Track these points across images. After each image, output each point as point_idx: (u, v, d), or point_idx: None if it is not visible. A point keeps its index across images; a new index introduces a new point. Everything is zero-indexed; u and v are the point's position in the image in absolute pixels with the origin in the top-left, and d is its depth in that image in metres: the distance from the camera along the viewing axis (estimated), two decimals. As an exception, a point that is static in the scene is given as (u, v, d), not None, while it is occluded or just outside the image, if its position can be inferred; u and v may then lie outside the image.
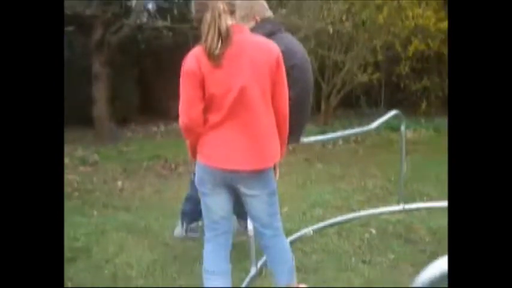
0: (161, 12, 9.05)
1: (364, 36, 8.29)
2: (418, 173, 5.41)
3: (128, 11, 8.18)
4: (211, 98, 2.17)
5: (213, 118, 2.21)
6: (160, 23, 7.33)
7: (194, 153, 2.35)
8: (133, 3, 7.61)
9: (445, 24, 8.82)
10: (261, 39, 2.27)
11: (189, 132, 2.28)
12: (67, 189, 5.11)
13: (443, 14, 8.97)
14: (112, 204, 4.72)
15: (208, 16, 2.15)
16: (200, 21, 2.21)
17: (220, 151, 2.22)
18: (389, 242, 3.55)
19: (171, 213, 4.38)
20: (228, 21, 2.15)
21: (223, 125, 2.20)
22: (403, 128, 4.26)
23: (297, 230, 3.76)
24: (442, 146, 7.30)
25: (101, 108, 7.64)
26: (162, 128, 8.67)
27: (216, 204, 2.33)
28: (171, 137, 8.24)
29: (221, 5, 2.15)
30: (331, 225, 3.93)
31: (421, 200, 4.58)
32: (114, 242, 3.71)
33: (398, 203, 4.39)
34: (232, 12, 2.19)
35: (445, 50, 9.04)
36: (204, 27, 2.16)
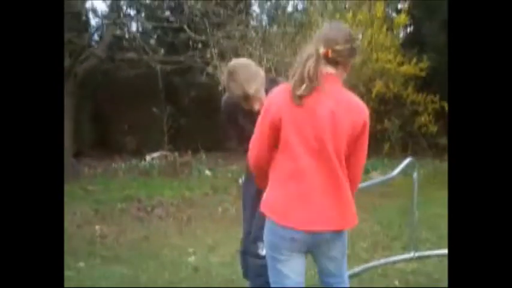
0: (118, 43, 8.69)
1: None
2: (407, 218, 5.36)
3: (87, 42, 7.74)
4: (285, 143, 2.00)
5: (287, 164, 2.01)
6: (132, 53, 6.91)
7: (264, 180, 2.13)
8: (103, 33, 7.19)
9: (404, 68, 9.17)
10: (352, 96, 2.08)
11: (255, 166, 2.16)
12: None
13: (400, 58, 9.32)
14: (99, 254, 4.25)
15: (304, 54, 1.99)
16: None
17: (301, 210, 1.99)
18: (418, 295, 3.42)
19: (171, 264, 4.01)
20: (321, 67, 1.97)
21: (300, 177, 1.99)
22: (415, 175, 4.20)
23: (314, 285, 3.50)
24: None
25: (64, 140, 7.05)
26: (122, 164, 8.16)
27: (292, 271, 2.09)
28: (134, 174, 7.80)
29: (321, 50, 1.96)
30: (351, 276, 3.73)
31: (423, 246, 4.51)
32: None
33: (404, 250, 4.30)
34: (335, 62, 2.00)
35: (404, 93, 9.35)
36: (297, 64, 2.01)
